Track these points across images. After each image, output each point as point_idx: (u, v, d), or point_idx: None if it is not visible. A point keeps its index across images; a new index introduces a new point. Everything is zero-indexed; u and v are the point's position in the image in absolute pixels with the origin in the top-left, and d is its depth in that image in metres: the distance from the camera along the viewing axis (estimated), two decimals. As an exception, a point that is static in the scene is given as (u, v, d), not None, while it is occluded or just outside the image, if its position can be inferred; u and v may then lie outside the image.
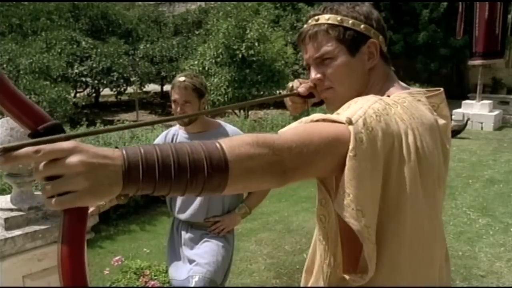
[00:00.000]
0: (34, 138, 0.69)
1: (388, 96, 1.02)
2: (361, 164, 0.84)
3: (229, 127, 2.31)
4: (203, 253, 2.19)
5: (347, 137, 0.84)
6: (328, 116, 0.90)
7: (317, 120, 0.90)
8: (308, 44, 1.09)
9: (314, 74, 1.10)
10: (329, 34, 1.05)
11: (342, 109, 0.94)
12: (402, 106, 0.97)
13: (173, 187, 0.71)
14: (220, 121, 2.41)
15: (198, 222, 2.27)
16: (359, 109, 0.90)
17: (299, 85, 1.20)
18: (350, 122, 0.86)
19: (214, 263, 2.15)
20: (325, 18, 1.06)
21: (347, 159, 0.84)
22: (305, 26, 1.11)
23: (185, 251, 2.27)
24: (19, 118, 0.72)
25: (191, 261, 2.22)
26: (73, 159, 0.64)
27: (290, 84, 1.30)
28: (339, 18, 1.05)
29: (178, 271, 2.25)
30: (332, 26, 1.05)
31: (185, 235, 2.30)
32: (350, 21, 1.05)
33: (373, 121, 0.88)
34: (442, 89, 1.12)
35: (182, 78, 2.17)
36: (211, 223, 2.25)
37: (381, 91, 1.06)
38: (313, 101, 1.22)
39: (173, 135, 2.36)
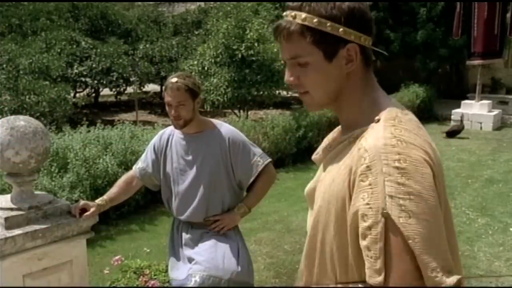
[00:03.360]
0: None
1: (380, 109, 1.01)
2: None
3: (225, 127, 2.29)
4: (202, 251, 2.20)
5: (430, 162, 0.93)
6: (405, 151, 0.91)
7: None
8: (283, 43, 1.02)
9: (288, 76, 1.05)
10: (304, 37, 0.98)
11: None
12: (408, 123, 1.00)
13: None
14: (218, 121, 2.40)
15: (198, 221, 2.27)
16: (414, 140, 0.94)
17: None
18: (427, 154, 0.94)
19: (213, 259, 2.14)
20: (302, 18, 0.97)
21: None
22: (281, 20, 1.02)
23: (186, 251, 2.28)
24: None
25: (191, 260, 2.22)
26: None
27: None
28: (315, 20, 0.96)
29: (179, 271, 2.25)
30: (308, 28, 0.97)
31: (186, 236, 2.30)
32: (328, 24, 0.96)
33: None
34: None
35: (174, 79, 2.15)
36: (211, 222, 2.26)
37: (370, 100, 1.04)
38: None
39: (168, 136, 2.35)
